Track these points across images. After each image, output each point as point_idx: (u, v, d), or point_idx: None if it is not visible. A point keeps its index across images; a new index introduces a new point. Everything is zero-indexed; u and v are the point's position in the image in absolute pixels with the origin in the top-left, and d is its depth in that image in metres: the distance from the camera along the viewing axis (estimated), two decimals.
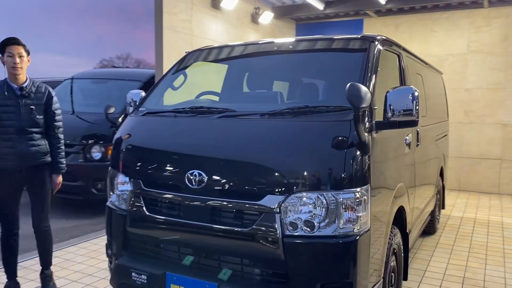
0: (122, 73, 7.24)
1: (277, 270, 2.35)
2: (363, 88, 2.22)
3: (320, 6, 8.40)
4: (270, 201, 2.31)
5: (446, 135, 5.96)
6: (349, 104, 2.26)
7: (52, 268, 3.73)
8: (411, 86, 2.60)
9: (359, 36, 3.02)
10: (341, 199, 2.27)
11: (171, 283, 2.55)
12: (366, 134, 2.36)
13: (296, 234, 2.29)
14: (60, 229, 5.52)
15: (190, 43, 6.42)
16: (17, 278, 3.60)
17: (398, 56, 3.48)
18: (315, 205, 2.28)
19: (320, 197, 2.27)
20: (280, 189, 2.32)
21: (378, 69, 2.81)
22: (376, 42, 2.94)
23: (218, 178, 2.45)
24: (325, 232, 2.28)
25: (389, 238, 2.88)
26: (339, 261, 2.30)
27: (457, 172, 8.31)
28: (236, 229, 2.39)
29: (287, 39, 3.42)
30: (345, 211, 2.28)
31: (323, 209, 2.27)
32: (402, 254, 3.28)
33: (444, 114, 5.95)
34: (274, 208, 2.30)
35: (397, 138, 3.03)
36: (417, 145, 3.73)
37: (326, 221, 2.28)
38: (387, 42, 3.19)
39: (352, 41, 3.08)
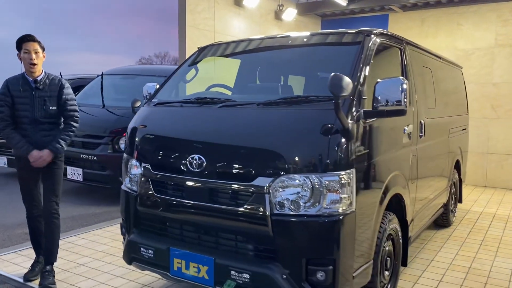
0: (149, 69, 7.61)
1: (266, 246, 2.56)
2: (346, 79, 2.39)
3: (343, 2, 8.47)
4: (260, 182, 2.52)
5: (465, 129, 5.95)
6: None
7: (70, 254, 3.98)
8: (400, 77, 2.74)
9: (355, 31, 3.17)
10: (325, 181, 2.45)
11: (174, 257, 2.81)
12: (350, 121, 2.53)
13: (283, 213, 2.49)
14: (91, 215, 5.94)
15: (213, 40, 6.68)
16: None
17: (400, 49, 3.59)
18: (301, 186, 2.47)
19: (305, 179, 2.46)
20: (269, 172, 2.52)
21: (372, 61, 2.95)
22: (372, 36, 3.08)
23: (215, 161, 2.68)
24: (310, 212, 2.47)
25: (382, 223, 3.03)
26: (323, 238, 2.48)
27: (483, 168, 8.20)
28: (230, 208, 2.61)
29: (289, 33, 3.60)
30: (329, 192, 2.46)
31: (309, 190, 2.46)
32: (401, 241, 3.42)
33: (462, 108, 5.94)
34: (263, 189, 2.51)
35: (392, 127, 3.16)
36: (421, 136, 3.82)
37: (311, 202, 2.47)
38: (385, 36, 3.31)
39: (348, 35, 3.23)
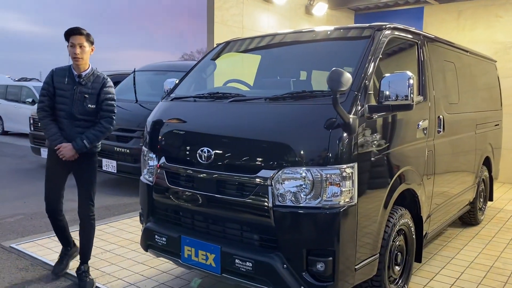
0: (180, 65, 7.81)
1: (269, 236, 2.65)
2: (345, 74, 2.42)
3: None
4: (264, 175, 2.61)
5: (497, 124, 5.75)
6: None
7: (99, 241, 4.11)
8: (406, 72, 2.73)
9: (366, 25, 3.18)
10: (325, 175, 2.50)
11: (185, 245, 2.95)
12: (353, 116, 2.56)
13: (284, 204, 2.57)
14: (122, 205, 6.23)
15: (241, 36, 6.78)
16: (73, 242, 3.86)
17: (416, 44, 3.55)
18: (302, 179, 2.53)
19: (307, 172, 2.52)
20: (273, 164, 2.61)
21: (381, 56, 2.96)
22: (383, 31, 3.08)
23: (222, 154, 2.79)
24: (311, 204, 2.53)
25: (391, 217, 3.03)
26: (323, 230, 2.54)
27: None
28: (236, 199, 2.72)
29: (302, 29, 3.65)
30: (330, 185, 2.51)
31: (309, 183, 2.52)
32: (414, 236, 3.40)
33: (495, 103, 5.74)
34: (266, 181, 2.59)
35: (402, 122, 3.15)
36: (439, 132, 3.77)
37: (312, 194, 2.53)
38: (399, 30, 3.29)
39: (359, 30, 3.24)
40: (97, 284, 3.57)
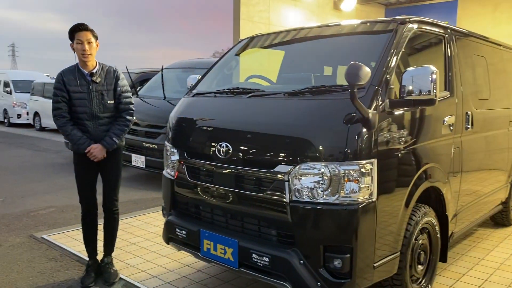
0: (207, 62, 7.87)
1: (286, 232, 2.64)
2: (364, 68, 2.38)
3: None
4: (281, 170, 2.60)
5: None
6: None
7: (125, 234, 4.20)
8: (429, 66, 2.66)
9: (390, 19, 3.11)
10: (343, 170, 2.47)
11: (204, 238, 2.98)
12: (373, 111, 2.51)
13: (301, 200, 2.55)
14: (149, 199, 6.35)
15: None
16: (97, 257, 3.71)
17: (443, 37, 3.44)
18: (320, 174, 2.51)
19: (324, 167, 2.50)
20: (290, 160, 2.59)
21: (404, 50, 2.89)
22: (407, 24, 3.00)
23: (239, 149, 2.80)
24: (328, 200, 2.50)
25: (413, 215, 2.96)
26: (340, 227, 2.51)
27: None
28: (253, 194, 2.72)
29: (325, 24, 3.60)
30: (348, 181, 2.47)
31: (327, 179, 2.49)
32: (439, 235, 3.31)
33: None
34: (283, 176, 2.58)
35: (426, 118, 3.06)
36: (467, 128, 3.65)
37: (329, 190, 2.50)
38: (424, 24, 3.20)
39: (382, 24, 3.17)
40: (121, 276, 3.66)
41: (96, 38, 3.39)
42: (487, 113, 4.08)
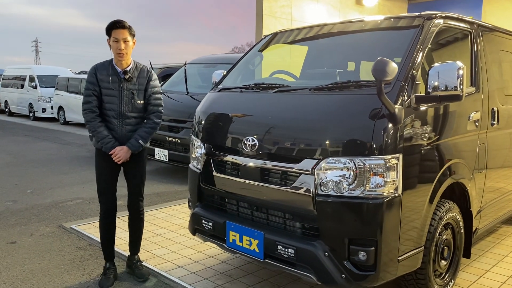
0: (229, 57, 7.95)
1: (311, 224, 2.69)
2: (391, 64, 2.41)
3: None
4: (307, 164, 2.65)
5: None
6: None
7: (150, 225, 4.26)
8: (456, 62, 2.67)
9: (416, 14, 3.11)
10: (369, 165, 2.50)
11: (230, 230, 3.06)
12: (399, 106, 2.54)
13: (327, 193, 2.60)
14: (173, 192, 6.48)
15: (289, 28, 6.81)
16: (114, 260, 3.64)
17: (470, 33, 3.43)
18: (345, 168, 2.55)
19: (349, 162, 2.54)
20: (315, 154, 2.64)
21: (430, 45, 2.90)
22: (433, 20, 3.01)
23: (266, 143, 2.86)
24: (353, 194, 2.54)
25: (438, 210, 2.98)
26: (365, 220, 2.54)
27: None
28: (279, 187, 2.78)
29: (350, 19, 3.62)
30: (373, 176, 2.51)
31: (352, 173, 2.53)
32: (462, 231, 3.32)
33: None
34: (309, 170, 2.63)
35: (452, 114, 3.06)
36: (493, 124, 3.63)
37: (354, 184, 2.54)
38: (451, 19, 3.20)
39: (409, 19, 3.17)
40: (147, 265, 3.76)
41: (133, 36, 3.34)
42: None
